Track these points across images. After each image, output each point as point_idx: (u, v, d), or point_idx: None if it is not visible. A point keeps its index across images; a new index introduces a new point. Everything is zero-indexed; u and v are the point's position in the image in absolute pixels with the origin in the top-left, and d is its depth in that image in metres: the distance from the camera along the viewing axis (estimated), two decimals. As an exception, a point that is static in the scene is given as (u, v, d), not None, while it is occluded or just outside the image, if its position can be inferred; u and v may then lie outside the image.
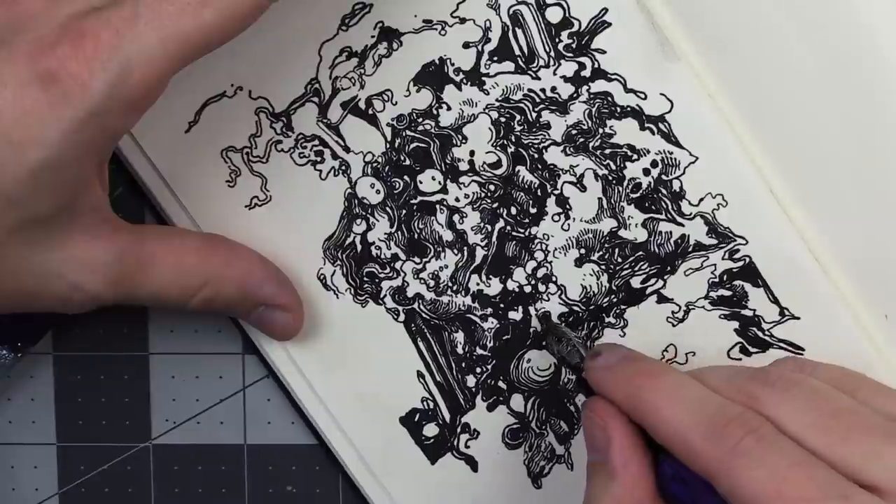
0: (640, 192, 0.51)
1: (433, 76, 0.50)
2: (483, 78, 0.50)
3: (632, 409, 0.45)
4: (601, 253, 0.52)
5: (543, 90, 0.51)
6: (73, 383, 0.55)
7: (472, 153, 0.51)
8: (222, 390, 0.54)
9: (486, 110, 0.51)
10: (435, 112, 0.51)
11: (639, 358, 0.47)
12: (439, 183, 0.51)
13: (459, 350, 0.52)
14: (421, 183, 0.51)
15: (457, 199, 0.51)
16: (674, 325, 0.52)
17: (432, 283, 0.52)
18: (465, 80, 0.50)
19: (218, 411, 0.54)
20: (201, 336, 0.54)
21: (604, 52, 0.50)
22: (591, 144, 0.51)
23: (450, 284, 0.52)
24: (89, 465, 0.55)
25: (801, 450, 0.42)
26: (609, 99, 0.50)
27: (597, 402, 0.46)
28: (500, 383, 0.52)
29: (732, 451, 0.42)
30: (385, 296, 0.52)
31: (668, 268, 0.52)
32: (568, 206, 0.51)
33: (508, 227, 0.52)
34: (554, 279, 0.52)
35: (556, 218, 0.51)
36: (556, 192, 0.51)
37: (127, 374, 0.55)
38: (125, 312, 0.54)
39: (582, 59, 0.50)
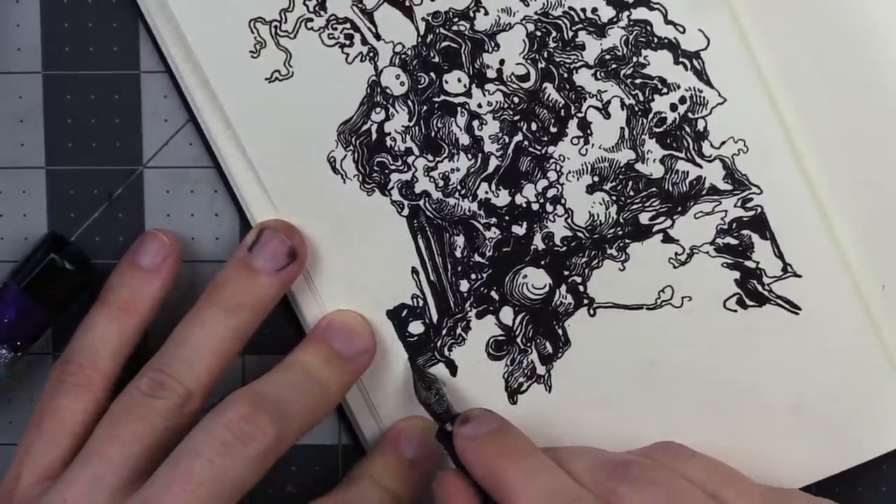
0: (664, 126, 0.51)
1: (476, -23, 0.50)
2: (526, -13, 0.50)
3: (489, 486, 0.47)
4: (614, 183, 0.51)
5: (584, 10, 0.50)
6: (73, 383, 0.55)
7: (501, 62, 0.50)
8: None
9: (524, 21, 0.50)
10: (472, 14, 0.50)
11: (507, 433, 0.49)
12: (465, 86, 0.51)
13: (458, 253, 0.52)
14: (447, 83, 0.51)
15: (479, 106, 0.51)
16: (675, 267, 0.52)
17: (441, 183, 0.52)
18: (507, -14, 0.50)
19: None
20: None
21: (650, -21, 0.49)
22: (622, 72, 0.50)
23: (459, 188, 0.52)
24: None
25: None
26: (648, 28, 0.50)
27: (448, 480, 0.48)
28: (493, 293, 0.52)
29: None
30: (392, 188, 0.52)
31: (679, 208, 0.51)
32: (589, 132, 0.51)
33: (526, 142, 0.51)
34: (563, 202, 0.51)
35: (575, 141, 0.51)
36: (580, 114, 0.51)
37: (126, 375, 0.54)
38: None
39: (628, -16, 0.50)
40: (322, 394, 0.50)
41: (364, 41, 0.51)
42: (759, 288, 0.51)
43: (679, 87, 0.50)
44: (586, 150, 0.51)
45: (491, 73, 0.51)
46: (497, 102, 0.51)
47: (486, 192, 0.52)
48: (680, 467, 0.48)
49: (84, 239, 0.54)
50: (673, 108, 0.50)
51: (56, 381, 0.51)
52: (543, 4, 0.50)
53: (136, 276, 0.52)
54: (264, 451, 0.47)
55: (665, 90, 0.50)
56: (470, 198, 0.52)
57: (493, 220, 0.52)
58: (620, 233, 0.52)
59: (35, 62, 0.53)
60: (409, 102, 0.51)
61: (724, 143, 0.51)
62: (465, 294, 0.52)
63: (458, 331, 0.53)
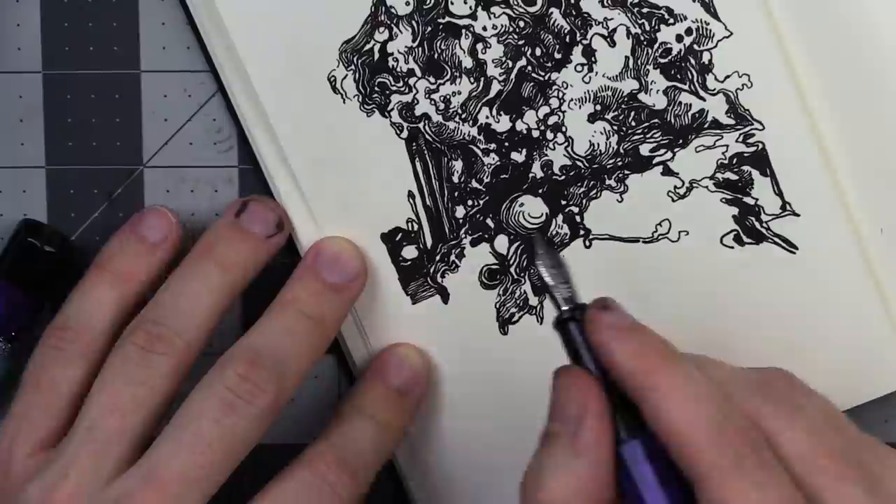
0: (669, 57, 0.50)
1: None
2: None
3: (634, 383, 0.41)
4: (616, 113, 0.51)
5: (593, -65, 0.50)
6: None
7: (508, -17, 0.50)
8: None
9: (532, -56, 0.50)
10: (480, -65, 0.50)
11: (647, 332, 0.42)
12: (470, 8, 0.50)
13: (455, 179, 0.52)
14: (452, 4, 0.50)
15: (484, 28, 0.50)
16: (673, 201, 0.51)
17: (442, 106, 0.51)
18: None
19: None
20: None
21: None
22: (629, 0, 0.50)
23: (459, 111, 0.51)
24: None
25: (794, 489, 0.39)
26: (657, -43, 0.50)
27: (577, 375, 0.42)
28: (489, 221, 0.52)
29: (734, 465, 0.39)
30: (392, 109, 0.51)
31: (681, 140, 0.51)
32: (593, 59, 0.50)
33: (529, 68, 0.51)
34: (563, 129, 0.51)
35: (579, 68, 0.51)
36: (585, 42, 0.50)
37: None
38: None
39: (638, -90, 0.49)
40: (317, 329, 0.50)
41: (371, -43, 0.50)
42: (757, 225, 0.51)
43: (686, 18, 0.50)
44: (590, 77, 0.51)
45: (497, -5, 0.50)
46: (502, 26, 0.50)
47: (487, 117, 0.51)
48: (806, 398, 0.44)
49: (84, 239, 0.54)
50: (679, 39, 0.50)
51: (51, 348, 0.49)
52: (553, -73, 0.50)
53: (136, 248, 0.51)
54: (268, 406, 0.47)
55: (671, 21, 0.50)
56: (470, 122, 0.51)
57: (493, 145, 0.51)
58: (620, 163, 0.51)
59: (35, 62, 0.53)
60: (414, 23, 0.51)
61: (728, 76, 0.50)
62: (461, 220, 0.52)
63: (452, 258, 0.52)
